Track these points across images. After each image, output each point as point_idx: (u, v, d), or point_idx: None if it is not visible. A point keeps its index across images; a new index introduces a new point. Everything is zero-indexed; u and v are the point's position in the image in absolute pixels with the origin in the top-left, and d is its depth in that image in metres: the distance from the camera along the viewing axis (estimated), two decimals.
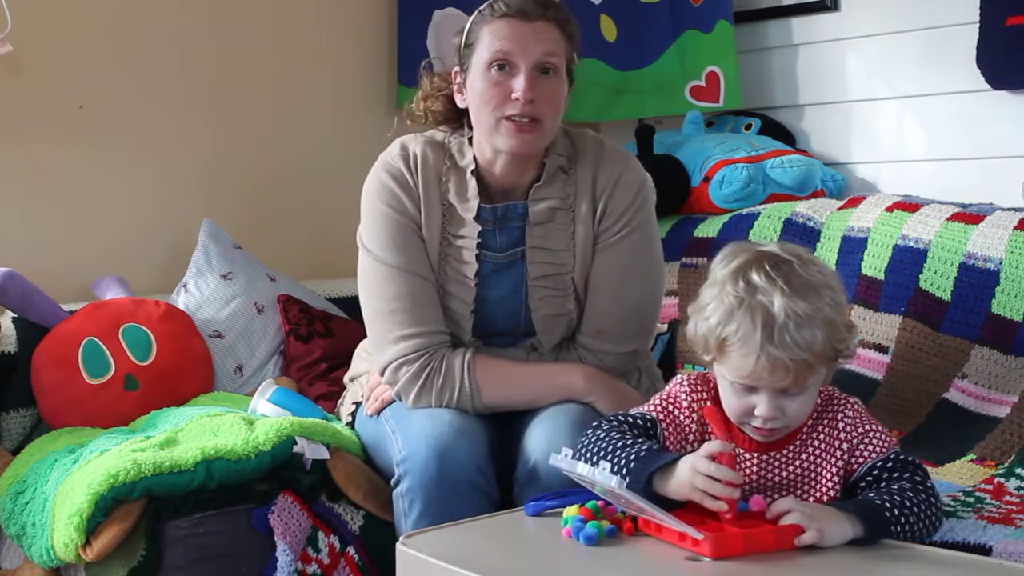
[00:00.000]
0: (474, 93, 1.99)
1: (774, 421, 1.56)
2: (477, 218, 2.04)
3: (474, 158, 2.05)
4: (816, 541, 1.47)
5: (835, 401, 1.65)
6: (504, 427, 2.02)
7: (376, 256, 2.04)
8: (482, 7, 2.01)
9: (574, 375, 2.02)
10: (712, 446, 1.52)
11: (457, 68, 2.04)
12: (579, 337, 2.08)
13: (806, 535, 1.47)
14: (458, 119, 2.09)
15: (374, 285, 2.04)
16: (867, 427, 1.62)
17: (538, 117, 1.96)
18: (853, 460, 1.62)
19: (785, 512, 1.50)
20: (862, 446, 1.61)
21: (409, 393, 2.00)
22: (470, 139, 2.06)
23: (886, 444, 1.62)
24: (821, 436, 1.63)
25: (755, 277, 1.53)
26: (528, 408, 2.01)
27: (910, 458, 1.62)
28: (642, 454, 1.57)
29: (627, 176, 2.06)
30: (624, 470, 1.55)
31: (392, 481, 1.94)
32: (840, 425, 1.62)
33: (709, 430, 1.64)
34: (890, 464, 1.60)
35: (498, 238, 2.06)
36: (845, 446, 1.61)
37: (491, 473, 1.91)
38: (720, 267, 1.59)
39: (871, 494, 1.57)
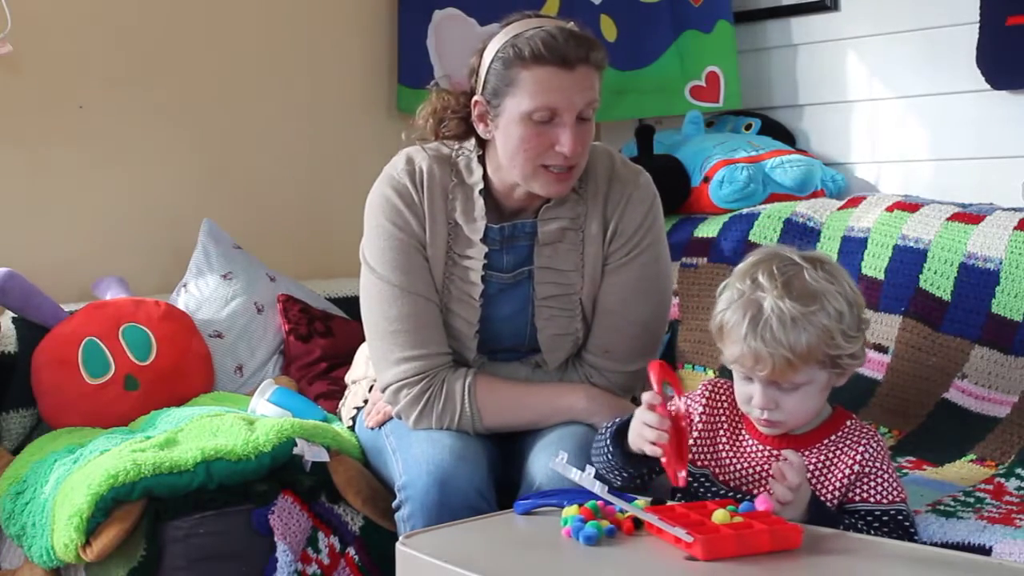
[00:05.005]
0: (510, 138, 1.91)
1: (771, 413, 1.63)
2: (484, 239, 2.00)
3: (483, 177, 2.00)
4: (780, 505, 1.54)
5: (863, 431, 1.69)
6: (507, 443, 2.01)
7: (379, 274, 2.00)
8: (516, 41, 1.89)
9: (576, 397, 2.00)
10: (647, 396, 1.65)
11: (479, 98, 1.94)
12: (585, 355, 2.05)
13: (779, 494, 1.55)
14: (467, 135, 2.03)
15: (376, 304, 2.01)
16: (880, 466, 1.65)
17: (577, 164, 1.93)
18: (853, 489, 1.65)
19: (787, 464, 1.55)
20: (869, 482, 1.64)
21: (409, 416, 1.98)
22: (479, 156, 2.01)
23: (891, 495, 1.64)
24: (834, 454, 1.66)
25: (760, 275, 1.63)
26: (531, 429, 2.00)
27: (907, 522, 1.64)
28: (616, 422, 1.73)
29: (638, 195, 2.03)
30: (606, 442, 1.73)
31: (394, 504, 1.93)
32: (859, 449, 1.66)
33: (741, 425, 1.73)
34: (886, 519, 1.63)
35: (505, 257, 2.02)
36: (856, 468, 1.65)
37: (492, 495, 1.90)
38: (742, 263, 1.70)
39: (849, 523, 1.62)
